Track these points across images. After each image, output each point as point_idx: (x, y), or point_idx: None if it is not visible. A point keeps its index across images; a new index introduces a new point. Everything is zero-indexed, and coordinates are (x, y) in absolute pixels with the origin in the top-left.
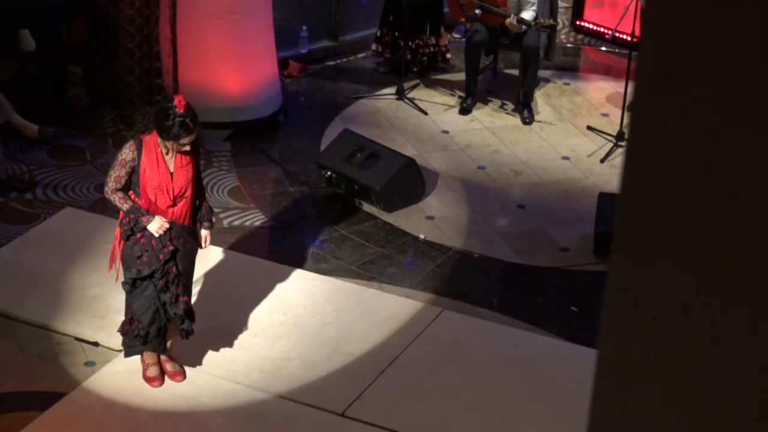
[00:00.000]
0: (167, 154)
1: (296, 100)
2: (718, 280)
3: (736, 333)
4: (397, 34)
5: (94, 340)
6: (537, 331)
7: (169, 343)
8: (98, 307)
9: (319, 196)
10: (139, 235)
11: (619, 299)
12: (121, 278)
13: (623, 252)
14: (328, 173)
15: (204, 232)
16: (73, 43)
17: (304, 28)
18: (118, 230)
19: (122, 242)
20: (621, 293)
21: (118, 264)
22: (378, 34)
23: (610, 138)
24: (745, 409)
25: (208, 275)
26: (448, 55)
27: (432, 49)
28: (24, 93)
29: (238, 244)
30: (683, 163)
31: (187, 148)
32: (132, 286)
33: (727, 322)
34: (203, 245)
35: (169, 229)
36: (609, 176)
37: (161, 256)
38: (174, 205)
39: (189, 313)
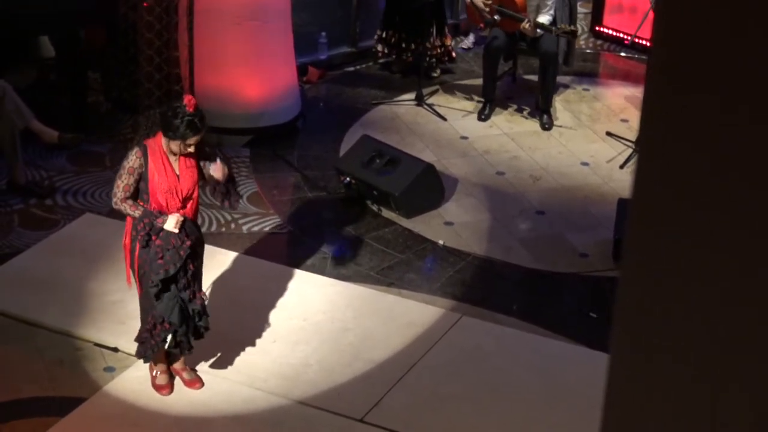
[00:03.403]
0: (172, 156)
1: (315, 106)
2: (731, 284)
3: (748, 338)
4: (403, 35)
5: (113, 346)
6: (556, 337)
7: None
8: (118, 313)
9: (338, 202)
10: (154, 237)
11: (630, 304)
12: (137, 288)
13: (634, 256)
14: (347, 179)
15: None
16: (92, 49)
17: (324, 34)
18: (126, 240)
19: (138, 248)
20: (632, 298)
21: (136, 274)
22: (384, 35)
23: (629, 144)
24: (755, 416)
25: (228, 281)
26: (453, 54)
27: (439, 50)
28: (43, 99)
29: (257, 249)
30: (696, 167)
31: (192, 149)
32: (160, 289)
33: (740, 327)
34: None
35: (183, 225)
36: (628, 182)
37: (182, 252)
38: (183, 207)
39: (205, 309)
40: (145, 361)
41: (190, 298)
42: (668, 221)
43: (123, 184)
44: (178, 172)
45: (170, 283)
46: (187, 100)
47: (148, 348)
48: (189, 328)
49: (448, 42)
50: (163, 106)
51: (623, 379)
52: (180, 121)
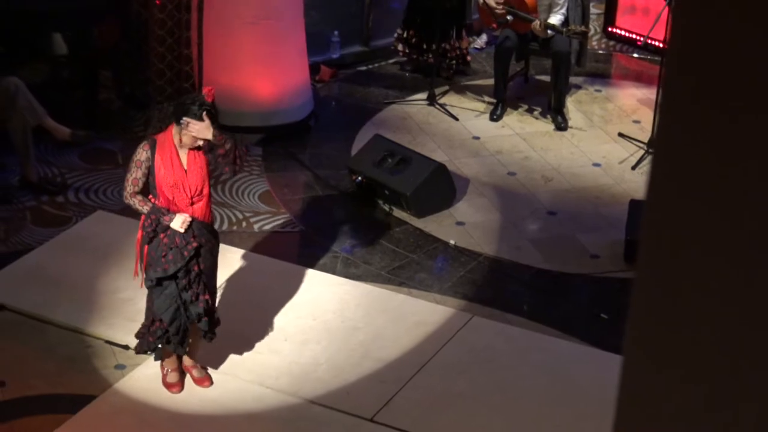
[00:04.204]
0: (181, 151)
1: (327, 105)
2: (745, 289)
3: (760, 345)
4: (423, 36)
5: (124, 344)
6: (566, 338)
7: (190, 347)
8: (129, 310)
9: (350, 201)
10: (161, 235)
11: (644, 308)
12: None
13: (649, 260)
14: (359, 178)
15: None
16: (105, 47)
17: (336, 33)
18: (139, 234)
19: (145, 246)
20: (646, 302)
21: (143, 268)
22: (404, 34)
23: (641, 145)
24: (761, 422)
25: (238, 279)
26: (469, 58)
27: (457, 53)
28: (56, 96)
29: (268, 248)
30: (711, 171)
31: (200, 143)
32: (156, 284)
33: (753, 332)
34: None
35: (190, 225)
36: (640, 183)
37: (185, 253)
38: (192, 203)
39: (209, 312)
40: (155, 359)
41: (192, 300)
42: (683, 226)
43: (131, 177)
44: (186, 167)
45: (170, 282)
46: (207, 90)
47: (144, 344)
48: (181, 328)
49: (465, 45)
50: (181, 98)
51: (636, 383)
52: (197, 108)
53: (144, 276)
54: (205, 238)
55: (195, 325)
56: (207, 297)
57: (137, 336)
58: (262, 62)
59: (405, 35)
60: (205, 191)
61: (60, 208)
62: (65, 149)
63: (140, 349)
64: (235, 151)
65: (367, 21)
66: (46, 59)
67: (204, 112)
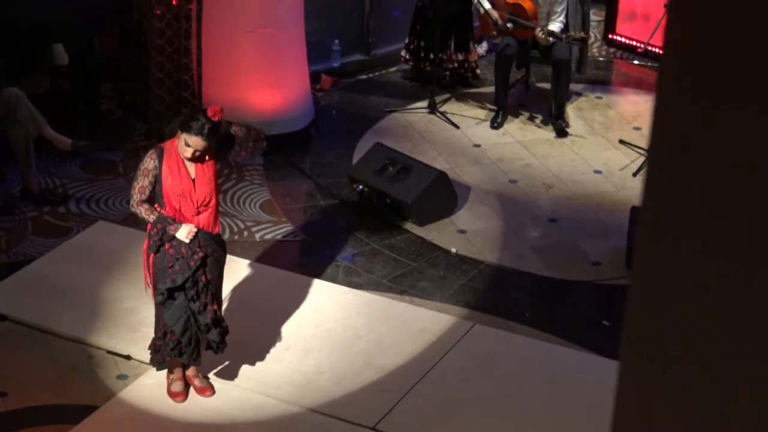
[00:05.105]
0: (188, 161)
1: (328, 113)
2: (739, 291)
3: (757, 344)
4: (422, 44)
5: (126, 354)
6: (568, 345)
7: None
8: (131, 321)
9: (351, 210)
10: (167, 245)
11: (639, 311)
12: (152, 295)
13: (644, 264)
14: (360, 187)
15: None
16: (105, 57)
17: (336, 41)
18: (146, 244)
19: (152, 255)
20: (642, 306)
21: (152, 280)
22: (407, 41)
23: (642, 152)
24: (762, 424)
25: (240, 288)
26: (478, 71)
27: (457, 65)
28: (57, 106)
29: (270, 257)
30: (705, 175)
31: (188, 154)
32: (166, 297)
33: (749, 333)
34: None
35: (196, 236)
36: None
37: (192, 263)
38: (198, 213)
39: (217, 322)
40: (158, 369)
41: (200, 310)
42: (677, 229)
43: (138, 186)
44: (193, 176)
45: (179, 293)
46: (213, 107)
47: (160, 356)
48: (193, 338)
49: (473, 58)
50: (191, 110)
51: (632, 386)
52: (195, 126)
53: (152, 287)
54: (212, 248)
55: (203, 335)
56: (215, 307)
57: (152, 349)
58: (262, 71)
59: (407, 42)
60: (213, 202)
61: (61, 219)
62: (66, 159)
63: (157, 362)
64: (250, 138)
65: (368, 30)
66: (46, 70)
67: (198, 133)
